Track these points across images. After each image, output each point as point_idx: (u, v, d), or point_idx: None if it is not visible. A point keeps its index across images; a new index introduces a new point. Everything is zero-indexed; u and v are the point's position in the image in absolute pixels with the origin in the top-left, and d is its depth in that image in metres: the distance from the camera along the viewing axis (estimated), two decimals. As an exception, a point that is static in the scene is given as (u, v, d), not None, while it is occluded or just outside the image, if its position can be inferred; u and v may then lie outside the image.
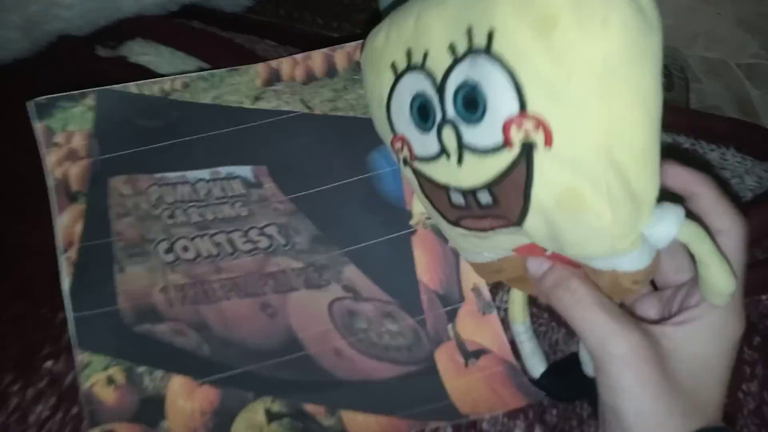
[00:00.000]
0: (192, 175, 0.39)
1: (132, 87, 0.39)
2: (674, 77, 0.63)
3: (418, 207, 0.39)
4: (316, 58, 0.41)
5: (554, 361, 0.37)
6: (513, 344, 0.37)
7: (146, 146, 0.39)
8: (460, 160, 0.27)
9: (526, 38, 0.23)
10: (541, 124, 0.24)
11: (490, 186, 0.26)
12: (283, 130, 0.40)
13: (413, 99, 0.28)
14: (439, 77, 0.26)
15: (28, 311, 0.34)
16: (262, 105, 0.40)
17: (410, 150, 0.30)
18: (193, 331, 0.34)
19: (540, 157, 0.24)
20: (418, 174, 0.30)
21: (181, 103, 0.39)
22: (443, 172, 0.28)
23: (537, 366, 0.35)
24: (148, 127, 0.39)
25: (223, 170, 0.39)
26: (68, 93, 0.38)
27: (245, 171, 0.39)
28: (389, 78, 0.30)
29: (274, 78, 0.41)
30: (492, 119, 0.25)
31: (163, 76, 0.40)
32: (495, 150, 0.25)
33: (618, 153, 0.24)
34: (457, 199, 0.28)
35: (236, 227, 0.38)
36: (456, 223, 0.30)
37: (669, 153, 0.47)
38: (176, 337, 0.34)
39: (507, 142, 0.24)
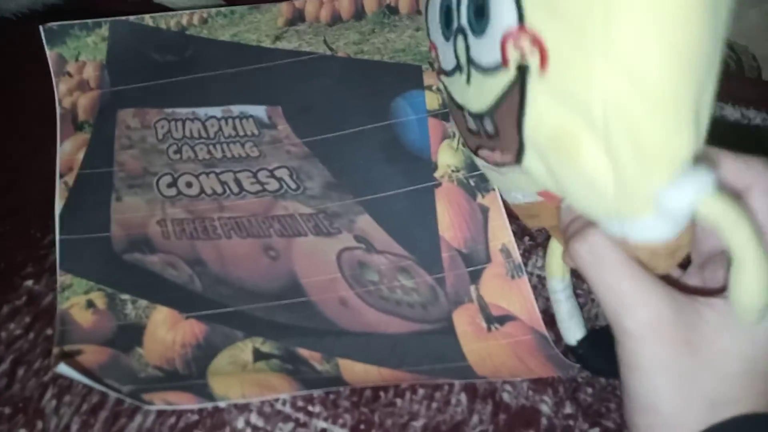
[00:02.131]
0: (203, 112, 0.38)
1: (147, 19, 0.38)
2: (745, 64, 0.59)
3: (444, 158, 0.37)
4: (344, 0, 0.40)
5: (594, 328, 0.33)
6: (545, 313, 0.33)
7: (159, 80, 0.38)
8: (468, 78, 0.24)
9: None
10: (536, 42, 0.20)
11: (491, 113, 0.23)
12: (302, 71, 0.38)
13: (441, 2, 0.27)
14: None
15: (18, 230, 0.33)
16: (283, 45, 0.39)
17: (438, 61, 0.28)
18: (187, 265, 0.33)
19: (533, 84, 0.21)
20: (445, 90, 0.28)
21: (197, 39, 0.39)
22: (458, 90, 0.26)
23: (574, 331, 0.31)
24: (162, 62, 0.39)
25: (236, 109, 0.38)
26: (81, 21, 0.38)
27: (259, 111, 0.38)
28: None
29: (297, 18, 0.40)
30: (493, 32, 0.22)
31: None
32: (495, 69, 0.22)
33: (627, 93, 0.19)
34: (471, 124, 0.26)
35: (245, 167, 0.36)
36: (475, 153, 0.27)
37: (737, 130, 0.43)
38: (167, 269, 0.32)
39: (504, 61, 0.21)
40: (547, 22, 0.20)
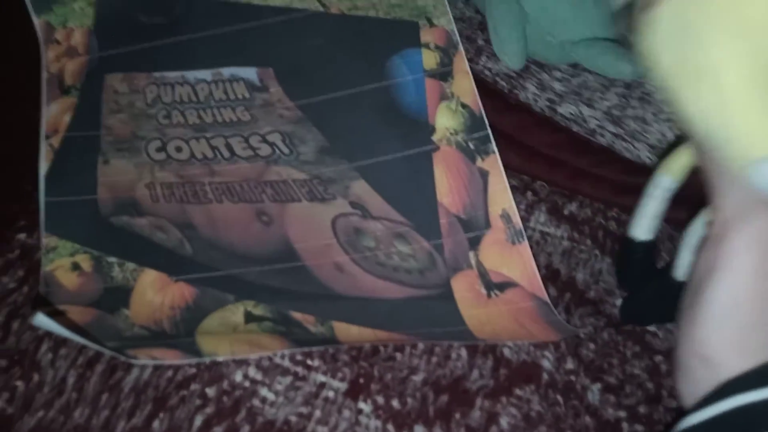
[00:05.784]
0: (193, 75, 0.38)
1: (134, -22, 0.39)
2: None
3: (442, 120, 0.37)
4: (337, -48, 0.40)
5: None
6: (547, 269, 0.34)
7: (147, 44, 0.39)
8: None
9: None
10: None
11: None
12: (294, 30, 0.39)
13: None
14: None
15: (10, 184, 0.34)
16: (273, 1, 0.39)
17: None
18: (176, 228, 0.33)
19: None
20: None
21: (185, -2, 0.40)
22: None
23: (646, 230, 0.31)
24: (150, 24, 0.39)
25: (227, 71, 0.38)
26: None
27: (250, 73, 0.38)
28: None
29: (287, -29, 0.40)
30: None
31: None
32: None
33: None
34: None
35: (236, 132, 0.37)
36: None
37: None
38: (156, 233, 0.33)
39: None
40: None
